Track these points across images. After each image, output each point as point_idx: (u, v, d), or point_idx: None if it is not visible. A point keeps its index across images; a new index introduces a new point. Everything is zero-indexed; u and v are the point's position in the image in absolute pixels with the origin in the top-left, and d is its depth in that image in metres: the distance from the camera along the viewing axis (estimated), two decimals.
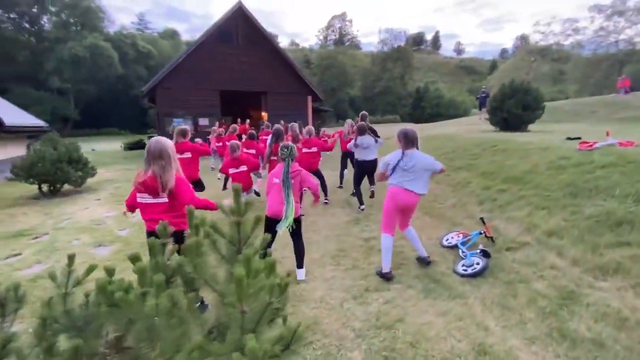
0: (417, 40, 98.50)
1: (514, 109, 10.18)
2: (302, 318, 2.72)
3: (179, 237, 2.72)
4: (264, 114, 18.36)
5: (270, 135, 5.19)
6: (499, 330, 2.47)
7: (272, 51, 17.90)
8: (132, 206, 2.80)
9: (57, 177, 7.38)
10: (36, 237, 4.95)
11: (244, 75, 17.09)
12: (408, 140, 3.34)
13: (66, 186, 8.03)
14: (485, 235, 3.79)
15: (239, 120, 16.76)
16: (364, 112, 6.84)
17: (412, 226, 3.64)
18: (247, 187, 5.03)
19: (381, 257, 3.37)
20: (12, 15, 31.90)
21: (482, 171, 5.91)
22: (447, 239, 4.02)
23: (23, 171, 7.23)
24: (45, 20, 34.25)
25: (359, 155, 5.73)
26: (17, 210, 6.52)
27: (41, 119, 33.39)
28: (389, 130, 22.36)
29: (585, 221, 3.48)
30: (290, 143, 3.46)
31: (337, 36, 62.93)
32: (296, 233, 3.45)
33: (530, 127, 10.72)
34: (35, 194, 7.79)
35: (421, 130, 17.47)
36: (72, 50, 29.49)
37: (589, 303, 2.58)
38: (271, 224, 3.37)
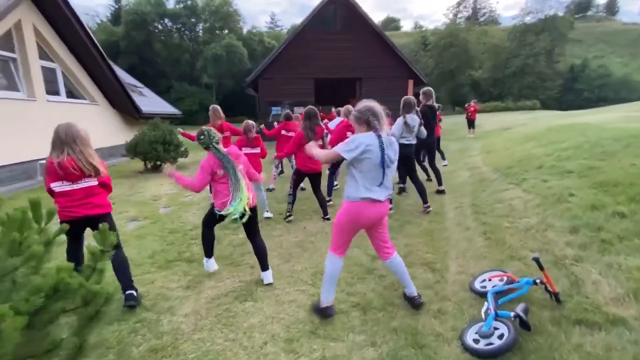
0: (583, 5, 77.04)
1: None
2: (199, 352, 2.12)
3: (103, 220, 2.53)
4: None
5: (303, 120, 4.56)
6: None
7: (371, 34, 16.83)
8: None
9: (151, 155, 8.66)
10: None
11: (339, 62, 16.69)
12: (379, 116, 2.17)
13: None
14: (546, 289, 2.26)
15: (333, 108, 16.58)
16: (427, 88, 5.41)
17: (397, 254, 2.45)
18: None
19: (324, 288, 2.38)
20: (177, 26, 40.43)
21: (601, 179, 3.78)
22: (483, 281, 2.61)
23: (129, 150, 8.77)
24: (200, 27, 41.92)
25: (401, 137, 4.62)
26: (117, 182, 7.92)
27: (192, 109, 40.96)
28: (514, 119, 18.23)
29: None
30: (206, 128, 2.85)
31: (470, 12, 55.00)
32: (251, 230, 2.93)
33: None
34: (143, 169, 9.40)
35: (554, 118, 13.44)
36: (213, 50, 35.24)
37: None
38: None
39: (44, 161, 7.98)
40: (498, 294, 2.32)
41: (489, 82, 36.54)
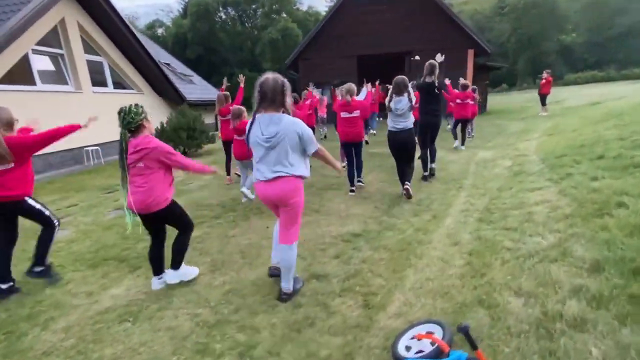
0: None
1: None
2: None
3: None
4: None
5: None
6: None
7: (422, 1, 14.81)
8: None
9: (174, 143, 8.87)
10: (110, 192, 5.99)
11: (385, 36, 15.14)
12: (264, 95, 2.09)
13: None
14: None
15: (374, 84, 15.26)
16: (429, 61, 4.45)
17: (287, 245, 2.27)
18: (248, 157, 4.30)
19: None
20: (239, 13, 41.67)
21: None
22: (411, 338, 1.74)
23: (156, 137, 9.12)
24: (259, 13, 42.63)
25: (390, 123, 4.30)
26: None
27: (252, 94, 42.86)
28: (610, 92, 14.61)
29: None
30: (124, 107, 2.32)
31: None
32: (177, 225, 2.63)
33: None
34: None
35: None
36: (269, 34, 35.53)
37: None
38: (145, 221, 2.53)
39: (89, 148, 8.60)
40: None
41: (584, 48, 30.05)
